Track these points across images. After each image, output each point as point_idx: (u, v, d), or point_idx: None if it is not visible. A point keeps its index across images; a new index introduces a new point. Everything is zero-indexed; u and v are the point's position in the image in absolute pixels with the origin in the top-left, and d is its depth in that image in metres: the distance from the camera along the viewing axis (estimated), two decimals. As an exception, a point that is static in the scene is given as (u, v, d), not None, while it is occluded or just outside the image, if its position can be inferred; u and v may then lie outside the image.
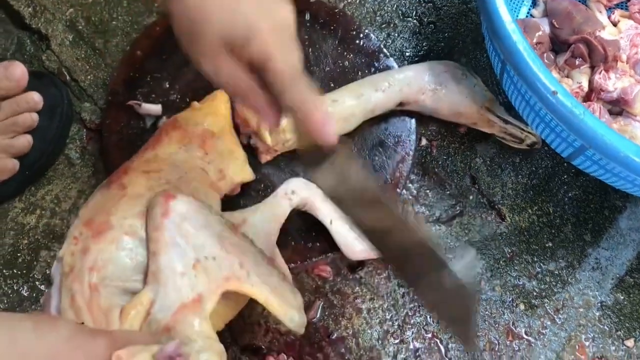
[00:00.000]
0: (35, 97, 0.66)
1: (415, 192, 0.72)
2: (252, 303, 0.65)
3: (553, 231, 0.72)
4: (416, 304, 0.67)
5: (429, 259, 0.48)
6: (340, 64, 0.73)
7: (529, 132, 0.72)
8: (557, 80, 0.60)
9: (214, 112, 0.64)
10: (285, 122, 0.62)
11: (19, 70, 0.65)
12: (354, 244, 0.63)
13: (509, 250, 0.71)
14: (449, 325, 0.60)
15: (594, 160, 0.65)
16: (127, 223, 0.50)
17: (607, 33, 0.75)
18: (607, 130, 0.58)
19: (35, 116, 0.66)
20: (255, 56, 0.42)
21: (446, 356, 0.65)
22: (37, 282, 0.66)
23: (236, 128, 0.66)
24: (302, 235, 0.65)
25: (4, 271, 0.66)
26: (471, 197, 0.73)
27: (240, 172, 0.63)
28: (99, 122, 0.72)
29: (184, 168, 0.58)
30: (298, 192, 0.62)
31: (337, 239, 0.63)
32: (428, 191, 0.73)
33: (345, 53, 0.74)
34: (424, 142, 0.75)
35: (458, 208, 0.72)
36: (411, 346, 0.65)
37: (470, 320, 0.51)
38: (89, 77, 0.75)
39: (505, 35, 0.62)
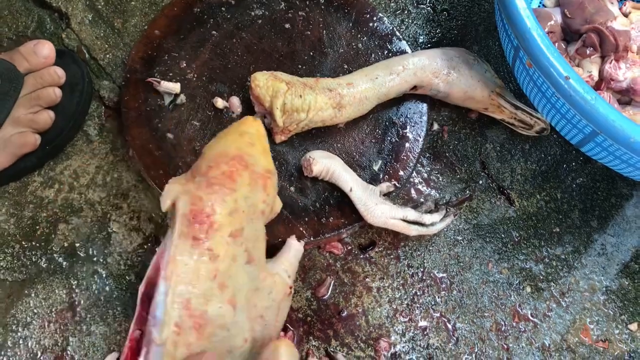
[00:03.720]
0: (59, 72, 0.67)
1: (426, 175, 0.74)
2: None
3: (560, 217, 0.73)
4: (424, 284, 0.69)
5: None
6: (354, 46, 0.74)
7: (538, 118, 0.73)
8: (569, 66, 0.62)
9: (264, 148, 0.58)
10: (299, 102, 0.64)
11: (47, 48, 0.67)
12: (374, 209, 0.65)
13: (517, 235, 0.72)
14: None
15: (604, 147, 0.66)
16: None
17: (619, 23, 0.76)
18: (618, 116, 0.60)
19: (58, 91, 0.67)
20: None
21: (453, 335, 0.67)
22: (55, 255, 0.67)
23: (250, 104, 0.67)
24: (315, 211, 0.66)
25: (23, 243, 0.68)
26: (481, 182, 0.74)
27: (279, 204, 0.60)
28: (117, 99, 0.74)
29: (253, 217, 0.54)
30: (319, 159, 0.63)
31: (358, 205, 0.65)
32: (439, 175, 0.74)
33: (359, 35, 0.75)
34: (435, 127, 0.76)
35: (468, 192, 0.73)
36: (419, 324, 0.67)
37: None
38: (107, 55, 0.76)
39: (520, 21, 0.63)
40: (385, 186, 0.68)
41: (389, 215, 0.65)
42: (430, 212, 0.69)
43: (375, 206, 0.64)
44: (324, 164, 0.63)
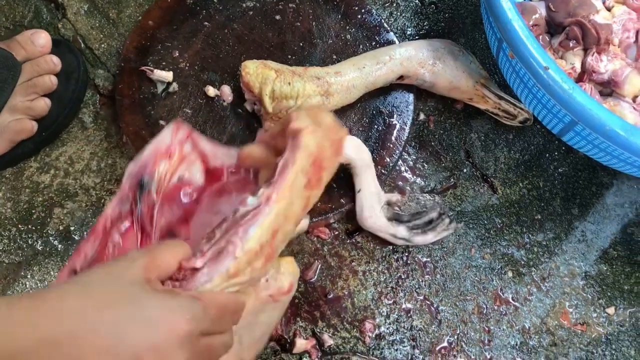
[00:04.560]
0: (55, 60, 0.69)
1: (412, 163, 0.76)
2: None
3: (542, 204, 0.75)
4: (409, 268, 0.71)
5: None
6: (343, 37, 0.76)
7: (521, 109, 0.75)
8: (549, 57, 0.64)
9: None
10: (288, 89, 0.66)
11: (43, 37, 0.69)
12: (370, 218, 0.68)
13: (500, 221, 0.74)
14: None
15: (583, 136, 0.68)
16: None
17: (601, 17, 0.78)
18: (594, 105, 0.62)
19: (54, 79, 0.69)
20: None
21: (436, 317, 0.69)
22: (50, 238, 0.70)
23: (240, 93, 0.70)
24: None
25: (20, 226, 0.70)
26: (465, 170, 0.76)
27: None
28: (111, 88, 0.76)
29: None
30: (348, 150, 0.66)
31: (358, 206, 0.68)
32: (424, 163, 0.76)
33: (347, 27, 0.77)
34: (422, 116, 0.78)
35: (452, 180, 0.76)
36: (403, 307, 0.69)
37: None
38: (102, 45, 0.78)
39: (502, 13, 0.66)
40: (394, 198, 0.71)
41: (382, 228, 0.68)
42: (429, 223, 0.71)
43: (373, 216, 0.68)
44: (347, 157, 0.66)
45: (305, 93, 0.66)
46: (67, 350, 0.36)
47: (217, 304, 0.42)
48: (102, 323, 0.37)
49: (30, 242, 0.69)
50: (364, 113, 0.74)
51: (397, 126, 0.73)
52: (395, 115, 0.74)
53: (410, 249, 0.71)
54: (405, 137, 0.73)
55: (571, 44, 0.77)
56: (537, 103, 0.71)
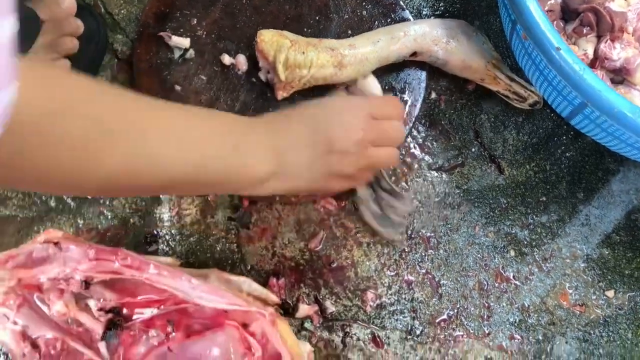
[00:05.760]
0: (78, 22, 0.71)
1: (421, 141, 0.77)
2: (265, 232, 0.70)
3: (548, 187, 0.76)
4: (413, 242, 0.72)
5: None
6: (359, 13, 0.77)
7: (532, 92, 0.76)
8: (561, 38, 0.64)
9: None
10: (302, 58, 0.67)
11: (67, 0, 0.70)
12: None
13: (505, 201, 0.75)
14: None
15: (592, 119, 0.69)
16: None
17: (616, 5, 0.79)
18: (604, 87, 0.62)
19: (75, 41, 0.71)
20: None
21: (437, 291, 0.70)
22: (64, 195, 0.71)
23: (255, 62, 0.71)
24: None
25: (34, 182, 0.72)
26: (473, 150, 0.77)
27: None
28: (129, 53, 0.77)
29: None
30: (374, 86, 0.72)
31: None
32: (433, 141, 0.77)
33: (364, 3, 0.78)
34: (433, 95, 0.79)
35: (460, 159, 0.76)
36: (405, 279, 0.70)
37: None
38: (122, 11, 0.80)
39: (517, -7, 0.66)
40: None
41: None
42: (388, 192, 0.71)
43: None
44: (374, 92, 0.71)
45: (319, 63, 0.67)
46: (282, 143, 0.56)
47: (377, 98, 0.68)
48: (303, 121, 0.58)
49: (44, 199, 0.71)
50: (377, 88, 0.75)
51: (409, 102, 0.74)
52: (407, 92, 0.75)
53: (415, 224, 0.73)
54: (416, 114, 0.74)
55: (585, 31, 0.78)
56: (548, 85, 0.72)
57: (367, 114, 0.59)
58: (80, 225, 0.70)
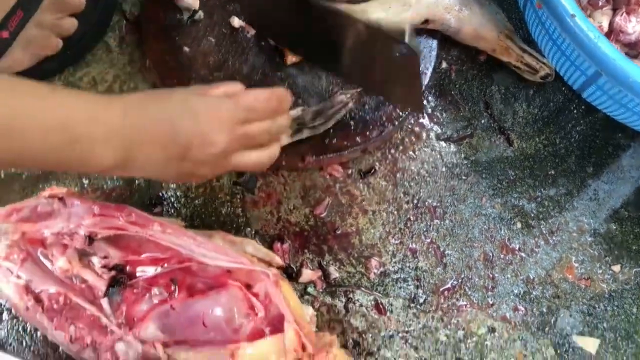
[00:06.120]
0: None
1: (430, 110, 0.76)
2: (270, 197, 0.70)
3: (557, 160, 0.75)
4: (418, 211, 0.71)
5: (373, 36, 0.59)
6: (371, -22, 0.76)
7: (544, 64, 0.75)
8: (576, 5, 0.63)
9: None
10: None
11: None
12: None
13: (513, 173, 0.74)
14: (399, 99, 0.66)
15: (604, 91, 0.68)
16: None
17: (633, -23, 0.77)
18: (618, 55, 0.62)
19: (83, 0, 0.70)
20: None
21: (442, 261, 0.70)
22: (69, 154, 0.71)
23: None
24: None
25: (40, 141, 0.71)
26: (483, 121, 0.76)
27: None
28: (138, 14, 0.77)
29: None
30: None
31: None
32: (443, 111, 0.76)
33: (377, -32, 0.77)
34: (444, 65, 0.78)
35: (469, 130, 0.76)
36: (410, 247, 0.70)
37: (417, 84, 0.61)
38: (132, -29, 0.79)
39: (532, -42, 0.65)
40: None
41: None
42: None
43: None
44: None
45: (330, 26, 0.67)
46: (134, 137, 0.50)
47: (249, 98, 0.56)
48: (161, 117, 0.51)
49: (50, 157, 0.71)
50: (387, 55, 0.74)
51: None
52: (417, 60, 0.74)
53: (422, 194, 0.72)
54: (426, 83, 0.73)
55: (600, 3, 0.76)
56: (561, 55, 0.71)
57: (236, 121, 0.54)
58: (86, 185, 0.70)
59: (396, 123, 0.71)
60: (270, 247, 0.68)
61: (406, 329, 0.66)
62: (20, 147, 0.45)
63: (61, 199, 0.59)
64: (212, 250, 0.57)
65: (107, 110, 0.49)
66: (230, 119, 0.54)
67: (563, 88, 0.78)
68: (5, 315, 0.64)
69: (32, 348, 0.63)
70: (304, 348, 0.56)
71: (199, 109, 0.53)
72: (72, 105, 0.48)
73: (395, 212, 0.71)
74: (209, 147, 0.52)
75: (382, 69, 0.60)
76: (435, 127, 0.75)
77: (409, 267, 0.69)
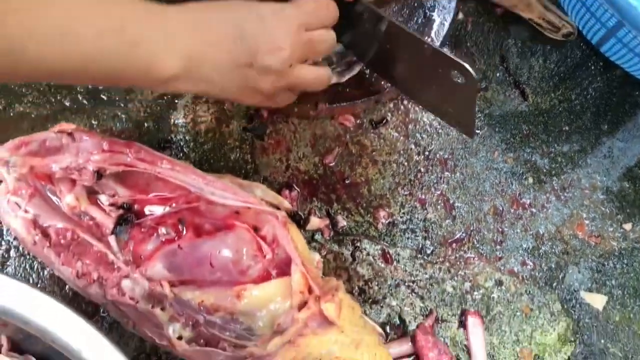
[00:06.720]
0: None
1: (444, 62, 0.74)
2: (279, 144, 0.69)
3: (572, 116, 0.74)
4: (429, 163, 0.71)
5: (437, 59, 0.56)
6: None
7: (566, 22, 0.73)
8: (601, -49, 0.61)
9: None
10: None
11: None
12: None
13: (527, 128, 0.73)
14: (452, 120, 0.63)
15: (624, 43, 0.67)
16: None
17: None
18: (642, 4, 0.60)
19: None
20: None
21: (451, 213, 0.69)
22: (79, 95, 0.70)
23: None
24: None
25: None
26: (498, 75, 0.75)
27: None
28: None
29: None
30: None
31: None
32: (457, 64, 0.75)
33: None
34: (460, 16, 0.76)
35: (484, 83, 0.74)
36: (419, 199, 0.69)
37: (472, 111, 0.57)
38: None
39: None
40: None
41: None
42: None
43: None
44: None
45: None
46: (197, 40, 0.49)
47: (310, 3, 0.55)
48: (226, 19, 0.51)
49: (59, 98, 0.70)
50: (405, 3, 0.72)
51: (437, 21, 0.72)
52: (436, 10, 0.72)
53: (433, 145, 0.71)
54: (444, 33, 0.72)
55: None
56: (581, 7, 0.69)
57: (299, 25, 0.53)
58: (95, 126, 0.69)
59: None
60: (278, 194, 0.67)
61: (412, 279, 0.66)
62: (75, 51, 0.43)
63: (70, 134, 0.58)
64: (220, 189, 0.57)
65: (165, 12, 0.48)
66: (296, 24, 0.53)
67: (582, 44, 0.76)
68: (12, 253, 0.64)
69: (38, 285, 0.63)
70: (310, 290, 0.55)
71: (265, 13, 0.52)
72: (127, 5, 0.46)
73: (406, 164, 0.70)
74: (277, 52, 0.52)
75: (440, 91, 0.60)
76: (449, 80, 0.74)
77: (418, 218, 0.68)
